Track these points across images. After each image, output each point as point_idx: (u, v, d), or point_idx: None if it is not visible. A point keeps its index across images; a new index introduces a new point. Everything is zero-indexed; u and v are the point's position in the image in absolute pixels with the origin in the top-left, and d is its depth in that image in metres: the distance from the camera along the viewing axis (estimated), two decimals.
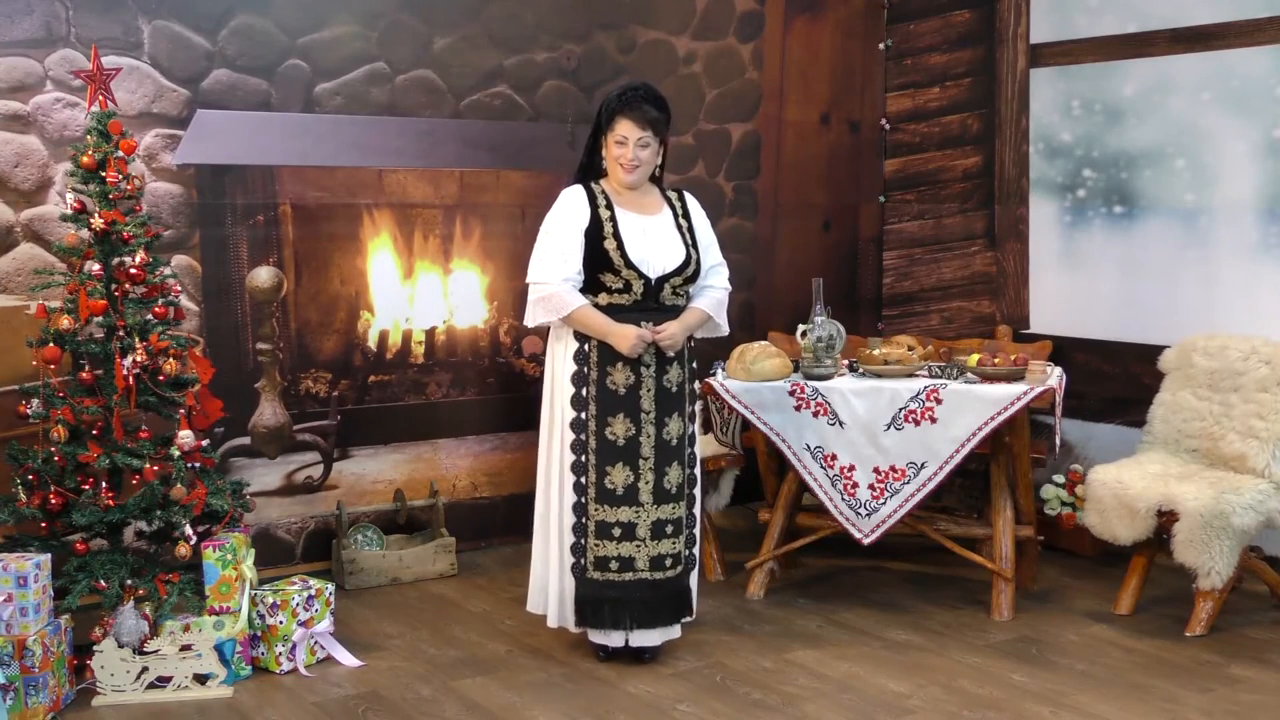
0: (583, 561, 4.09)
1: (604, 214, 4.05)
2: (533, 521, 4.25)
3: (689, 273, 4.09)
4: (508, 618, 4.63)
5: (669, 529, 4.09)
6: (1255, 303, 5.04)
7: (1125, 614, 4.62)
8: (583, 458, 4.08)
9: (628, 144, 4.01)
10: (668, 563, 4.10)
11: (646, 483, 4.07)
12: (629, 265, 4.00)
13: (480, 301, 5.46)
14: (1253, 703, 3.88)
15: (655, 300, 4.06)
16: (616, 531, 4.07)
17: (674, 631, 4.22)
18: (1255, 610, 4.67)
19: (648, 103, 4.02)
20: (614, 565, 4.07)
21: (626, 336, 4.00)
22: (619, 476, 4.06)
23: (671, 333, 4.04)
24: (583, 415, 4.08)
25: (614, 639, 4.14)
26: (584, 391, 4.08)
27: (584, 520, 4.09)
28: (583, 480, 4.08)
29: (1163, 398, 4.88)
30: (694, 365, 4.22)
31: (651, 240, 4.06)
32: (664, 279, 4.05)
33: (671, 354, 4.09)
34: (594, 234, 4.02)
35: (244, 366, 4.98)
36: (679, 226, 4.13)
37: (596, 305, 4.04)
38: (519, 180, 5.49)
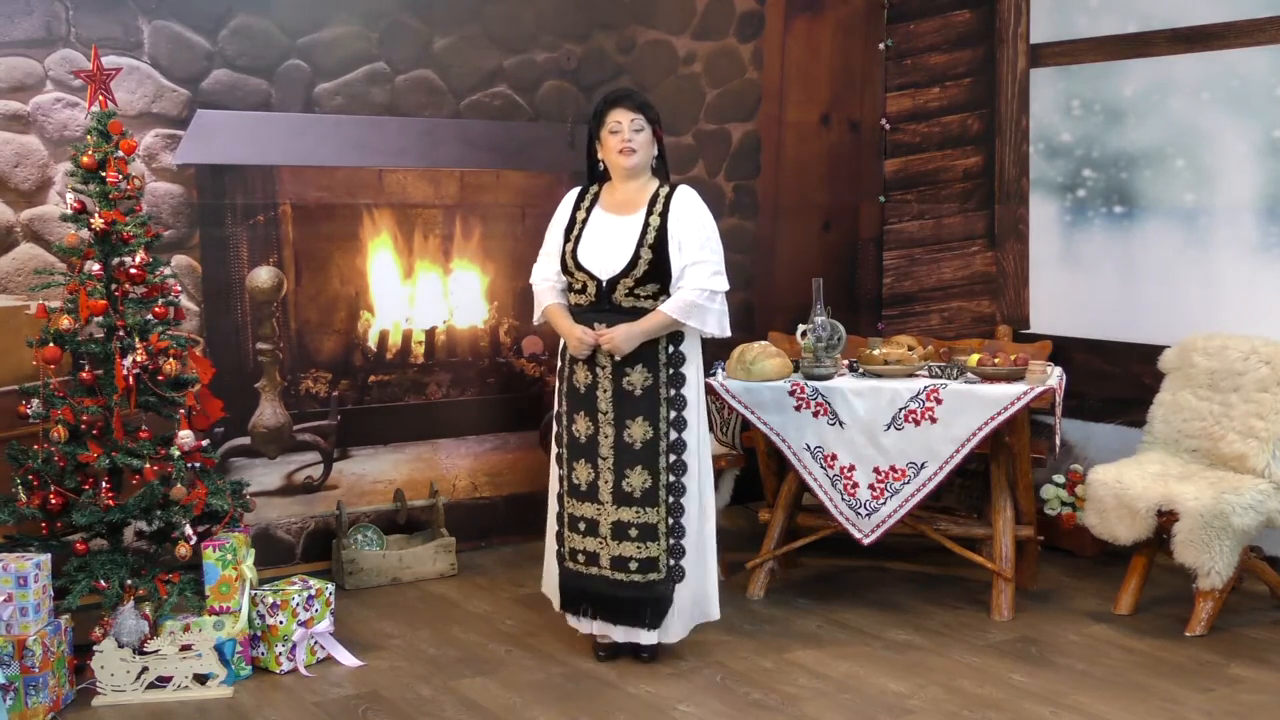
0: (562, 550, 4.18)
1: (580, 215, 4.12)
2: (533, 521, 4.27)
3: (638, 274, 3.98)
4: (508, 618, 4.63)
5: (632, 532, 4.05)
6: (1255, 303, 5.03)
7: (1125, 614, 4.61)
8: (560, 450, 4.17)
9: (622, 128, 4.03)
10: (632, 565, 4.06)
11: (606, 482, 4.06)
12: (579, 267, 4.04)
13: (480, 301, 5.46)
14: (1253, 703, 3.88)
15: (609, 302, 4.03)
16: (582, 526, 4.12)
17: (642, 634, 4.11)
18: (1255, 610, 4.67)
19: (634, 94, 4.15)
20: (581, 558, 4.13)
21: (572, 336, 4.05)
22: (583, 473, 4.10)
23: (611, 336, 3.98)
24: (559, 410, 4.17)
25: (584, 626, 4.20)
26: (560, 387, 4.17)
27: (562, 510, 4.18)
28: (561, 472, 4.18)
29: (1163, 398, 4.88)
30: (675, 371, 4.05)
31: (608, 241, 4.04)
32: (614, 280, 4.01)
33: (619, 357, 4.00)
34: (566, 234, 4.11)
35: (244, 366, 4.98)
36: (645, 225, 4.02)
37: (570, 305, 4.12)
38: (519, 180, 5.49)
